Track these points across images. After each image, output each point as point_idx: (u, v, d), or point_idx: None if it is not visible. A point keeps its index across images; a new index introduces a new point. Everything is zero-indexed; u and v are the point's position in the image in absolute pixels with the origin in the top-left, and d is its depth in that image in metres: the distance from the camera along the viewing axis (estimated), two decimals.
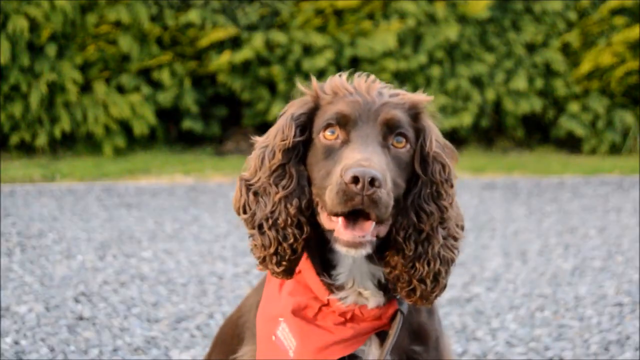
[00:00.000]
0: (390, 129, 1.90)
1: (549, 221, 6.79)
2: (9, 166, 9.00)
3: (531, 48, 11.35)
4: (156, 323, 3.95)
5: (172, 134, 10.72)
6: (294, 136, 1.93)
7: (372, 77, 2.01)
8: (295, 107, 1.99)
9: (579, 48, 11.31)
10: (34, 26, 9.51)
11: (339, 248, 1.82)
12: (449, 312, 4.20)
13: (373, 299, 1.98)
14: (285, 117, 1.98)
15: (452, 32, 10.65)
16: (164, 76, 10.01)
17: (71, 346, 3.58)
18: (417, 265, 1.89)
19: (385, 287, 1.99)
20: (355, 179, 1.74)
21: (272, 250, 1.91)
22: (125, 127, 10.03)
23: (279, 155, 1.93)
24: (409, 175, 1.94)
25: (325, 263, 1.98)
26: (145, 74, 10.18)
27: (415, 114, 1.97)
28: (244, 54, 10.04)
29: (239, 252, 5.49)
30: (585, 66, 11.10)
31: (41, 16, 9.42)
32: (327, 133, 1.91)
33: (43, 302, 4.17)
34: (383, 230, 1.88)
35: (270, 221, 1.91)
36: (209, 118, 10.62)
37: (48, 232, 5.87)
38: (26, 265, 4.94)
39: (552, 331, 3.93)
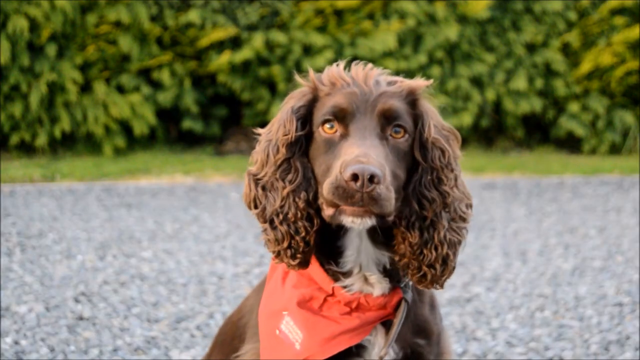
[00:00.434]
0: (387, 120, 1.91)
1: (549, 221, 6.79)
2: (9, 166, 9.00)
3: (531, 48, 11.35)
4: (156, 323, 3.95)
5: (172, 134, 10.72)
6: (296, 130, 1.94)
7: (370, 65, 2.01)
8: (295, 100, 2.00)
9: (579, 48, 11.31)
10: (34, 26, 9.52)
11: (344, 219, 1.82)
12: (449, 312, 4.20)
13: (378, 286, 1.99)
14: (285, 109, 1.99)
15: (452, 32, 10.65)
16: (164, 76, 10.01)
17: (71, 346, 3.58)
18: (424, 251, 1.91)
19: (390, 274, 2.00)
20: (355, 176, 1.74)
21: (285, 244, 1.92)
22: (125, 127, 10.04)
23: (283, 150, 1.93)
24: (409, 163, 1.94)
25: (332, 251, 1.99)
26: (145, 74, 10.18)
27: (413, 100, 1.98)
28: (244, 54, 10.04)
29: (239, 252, 5.49)
30: (585, 66, 11.10)
31: (41, 16, 9.42)
32: (326, 127, 1.92)
33: (43, 302, 4.17)
34: (389, 219, 1.88)
35: (280, 216, 1.92)
36: (209, 118, 10.62)
37: (48, 232, 5.87)
38: (26, 265, 4.94)
39: (552, 331, 3.93)
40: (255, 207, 1.98)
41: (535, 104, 11.23)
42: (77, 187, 7.98)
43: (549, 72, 11.39)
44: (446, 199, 1.93)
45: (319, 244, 1.97)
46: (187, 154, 10.32)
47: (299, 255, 1.93)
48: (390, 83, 1.98)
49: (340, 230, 1.95)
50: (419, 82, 2.01)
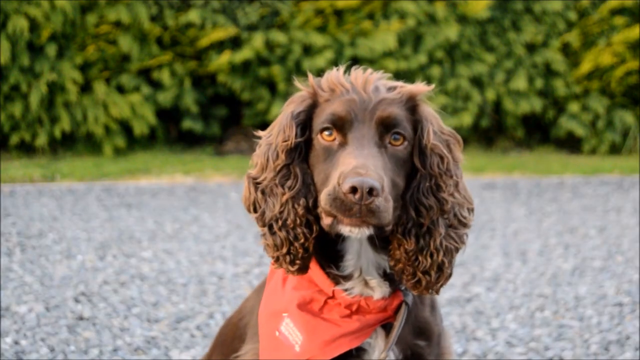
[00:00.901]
0: (386, 128, 1.90)
1: (549, 221, 6.79)
2: (9, 166, 9.00)
3: (531, 48, 11.35)
4: (156, 323, 3.95)
5: (172, 134, 10.72)
6: (296, 136, 1.93)
7: (369, 70, 1.99)
8: (295, 105, 1.99)
9: (579, 48, 11.31)
10: (34, 26, 9.52)
11: (342, 229, 1.82)
12: (449, 312, 4.20)
13: (379, 290, 1.99)
14: (285, 114, 1.98)
15: (452, 32, 10.65)
16: (164, 76, 10.01)
17: (71, 346, 3.58)
18: (420, 258, 1.90)
19: (391, 278, 2.00)
20: (354, 189, 1.74)
21: (284, 250, 1.92)
22: (125, 127, 10.04)
23: (282, 156, 1.93)
24: (408, 170, 1.93)
25: (332, 255, 1.98)
26: (145, 74, 10.18)
27: (412, 106, 1.96)
28: (244, 54, 10.04)
29: (239, 252, 5.49)
30: (585, 66, 11.10)
31: (41, 16, 9.42)
32: (325, 134, 1.91)
33: (43, 302, 4.17)
34: (387, 229, 1.88)
35: (279, 222, 1.92)
36: (209, 118, 10.62)
37: (48, 232, 5.87)
38: (26, 265, 4.94)
39: (552, 331, 3.93)
40: (255, 210, 1.98)
41: (535, 104, 11.23)
42: (77, 187, 7.98)
43: (549, 72, 11.39)
44: (444, 206, 1.92)
45: (319, 248, 1.96)
46: (187, 154, 10.32)
47: (297, 262, 1.93)
48: (390, 89, 1.96)
49: (340, 236, 1.93)
50: (419, 88, 1.98)
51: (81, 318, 3.95)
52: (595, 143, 11.33)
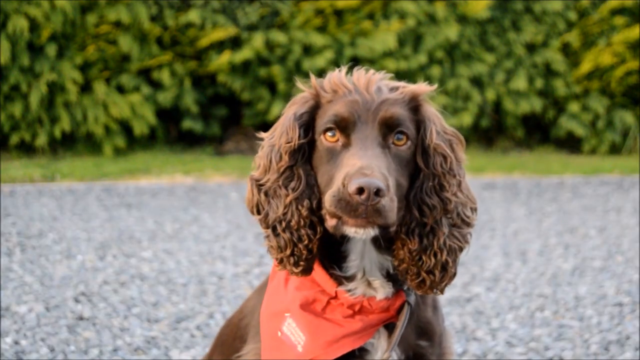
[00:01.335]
0: (389, 128, 1.90)
1: (549, 221, 6.79)
2: (9, 166, 9.00)
3: (531, 48, 11.35)
4: (156, 323, 3.95)
5: (172, 134, 10.72)
6: (299, 138, 1.93)
7: (372, 71, 1.99)
8: (297, 106, 1.99)
9: (579, 48, 11.31)
10: (34, 26, 9.52)
11: (347, 230, 1.82)
12: (449, 312, 4.20)
13: (382, 290, 1.99)
14: (288, 115, 1.98)
15: (452, 32, 10.65)
16: (164, 76, 10.01)
17: (71, 346, 3.58)
18: (423, 257, 1.90)
19: (394, 278, 2.00)
20: (360, 190, 1.74)
21: (288, 252, 1.92)
22: (125, 127, 10.04)
23: (285, 158, 1.93)
24: (412, 170, 1.93)
25: (336, 256, 1.98)
26: (145, 74, 10.18)
27: (415, 106, 1.96)
28: (244, 54, 10.04)
29: (239, 252, 5.49)
30: (585, 66, 11.10)
31: (41, 16, 9.42)
32: (328, 135, 1.91)
33: (43, 302, 4.17)
34: (391, 229, 1.87)
35: (283, 223, 1.91)
36: (209, 118, 10.62)
37: (48, 232, 5.87)
38: (26, 265, 4.94)
39: (552, 331, 3.93)
40: (258, 212, 1.97)
41: (535, 104, 11.23)
42: (77, 187, 7.98)
43: (549, 72, 11.39)
44: (447, 206, 1.92)
45: (322, 248, 1.96)
46: (187, 154, 10.32)
47: (302, 263, 1.92)
48: (392, 89, 1.96)
49: (344, 237, 1.93)
50: (421, 88, 1.99)
51: (81, 318, 3.95)
52: (595, 143, 11.32)
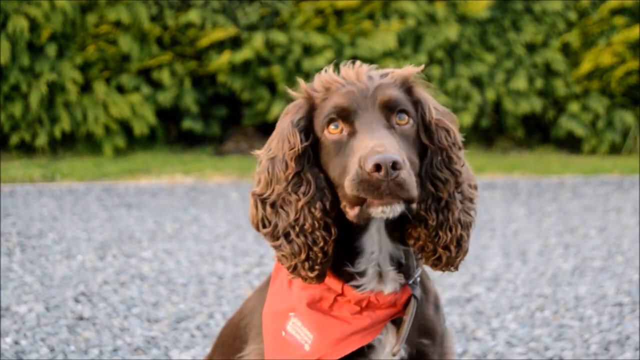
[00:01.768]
0: (390, 109, 1.92)
1: (549, 221, 6.79)
2: (9, 166, 9.00)
3: (531, 48, 11.35)
4: (156, 323, 3.95)
5: (172, 134, 10.72)
6: (301, 142, 1.93)
7: (358, 62, 2.02)
8: (292, 114, 1.99)
9: (579, 48, 11.31)
10: (34, 26, 9.52)
11: (373, 211, 1.82)
12: (449, 312, 4.20)
13: (391, 284, 2.00)
14: (284, 125, 1.97)
15: (452, 32, 10.65)
16: (164, 76, 10.01)
17: (71, 346, 3.58)
18: (440, 233, 1.93)
19: (404, 270, 2.01)
20: (378, 167, 1.75)
21: (303, 256, 1.91)
22: (125, 127, 10.04)
23: (292, 164, 1.92)
24: (418, 148, 1.96)
25: (348, 253, 1.98)
26: (145, 74, 10.18)
27: (408, 88, 2.00)
28: (244, 54, 10.04)
29: (239, 252, 5.49)
30: (585, 66, 11.10)
31: (41, 16, 9.42)
32: (331, 127, 1.92)
33: (43, 302, 4.17)
34: (414, 205, 1.89)
35: (297, 228, 1.91)
36: (209, 118, 10.62)
37: (48, 232, 5.87)
38: (26, 265, 4.94)
39: (552, 331, 3.93)
40: (264, 226, 1.97)
41: (535, 104, 11.23)
42: (77, 187, 7.98)
43: (549, 72, 11.38)
44: (458, 178, 1.96)
45: (334, 249, 1.96)
46: (187, 154, 10.32)
47: (317, 267, 1.92)
48: (382, 75, 1.99)
49: (359, 230, 1.95)
50: (409, 70, 2.02)
51: (81, 318, 3.95)
52: (595, 143, 11.32)
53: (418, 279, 2.05)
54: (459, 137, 2.01)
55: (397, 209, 1.82)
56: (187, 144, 10.70)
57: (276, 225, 1.94)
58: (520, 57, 11.21)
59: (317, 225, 1.90)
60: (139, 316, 4.03)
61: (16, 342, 3.59)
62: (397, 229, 1.97)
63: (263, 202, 1.96)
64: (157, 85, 10.19)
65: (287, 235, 1.92)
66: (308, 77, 2.06)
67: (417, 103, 1.98)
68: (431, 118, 1.96)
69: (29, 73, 9.56)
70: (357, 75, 1.97)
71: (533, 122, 11.69)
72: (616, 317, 4.12)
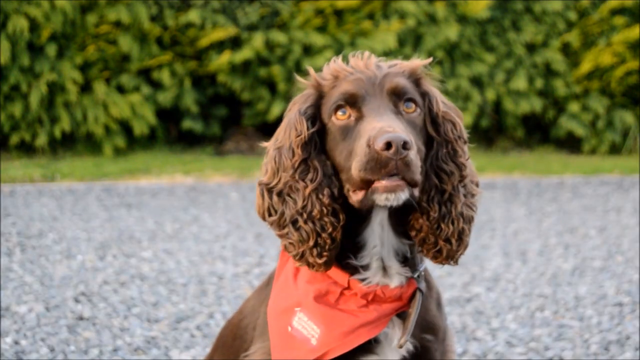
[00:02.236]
0: (398, 96, 1.94)
1: (549, 221, 6.79)
2: (9, 166, 9.00)
3: (531, 48, 11.35)
4: (156, 323, 3.95)
5: (172, 134, 10.72)
6: (307, 129, 1.94)
7: (367, 53, 2.04)
8: (300, 103, 2.01)
9: (579, 48, 11.31)
10: (34, 26, 9.52)
11: (377, 197, 1.83)
12: (449, 312, 4.20)
13: (397, 277, 2.00)
14: (292, 114, 1.99)
15: (452, 32, 10.65)
16: (164, 76, 10.01)
17: (71, 346, 3.58)
18: (442, 225, 1.94)
19: (409, 264, 2.02)
20: (388, 145, 1.76)
21: (311, 242, 1.91)
22: (125, 127, 10.03)
23: (298, 152, 1.93)
24: (424, 138, 1.97)
25: (352, 246, 1.99)
26: (145, 74, 10.18)
27: (416, 79, 2.02)
28: (244, 54, 10.04)
29: (239, 252, 5.49)
30: (585, 66, 11.10)
31: (41, 16, 9.42)
32: (339, 113, 1.93)
33: (43, 302, 4.17)
34: (417, 191, 1.90)
35: (305, 215, 1.92)
36: (209, 118, 10.62)
37: (48, 232, 5.87)
38: (26, 265, 4.94)
39: (552, 331, 3.93)
40: (270, 215, 1.97)
41: (535, 104, 11.23)
42: (77, 187, 7.99)
43: (549, 72, 11.38)
44: (463, 171, 1.97)
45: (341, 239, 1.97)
46: (187, 154, 10.32)
47: (325, 254, 1.92)
48: (391, 66, 2.01)
49: (362, 223, 1.96)
50: (417, 62, 2.05)
51: (81, 318, 3.95)
52: (595, 143, 11.32)
53: (423, 273, 2.06)
54: (465, 131, 2.03)
55: (401, 196, 1.83)
56: (187, 144, 10.70)
57: (283, 214, 1.95)
58: (520, 57, 11.21)
59: (325, 211, 1.90)
60: (139, 316, 4.03)
61: (16, 342, 3.59)
62: (400, 223, 1.97)
63: (269, 191, 1.97)
64: (157, 85, 10.19)
65: (294, 222, 1.93)
66: (308, 76, 2.06)
67: (424, 95, 2.00)
68: (438, 110, 1.98)
69: (29, 73, 9.56)
70: (365, 64, 1.99)
71: (533, 122, 11.69)
72: (616, 317, 4.12)
